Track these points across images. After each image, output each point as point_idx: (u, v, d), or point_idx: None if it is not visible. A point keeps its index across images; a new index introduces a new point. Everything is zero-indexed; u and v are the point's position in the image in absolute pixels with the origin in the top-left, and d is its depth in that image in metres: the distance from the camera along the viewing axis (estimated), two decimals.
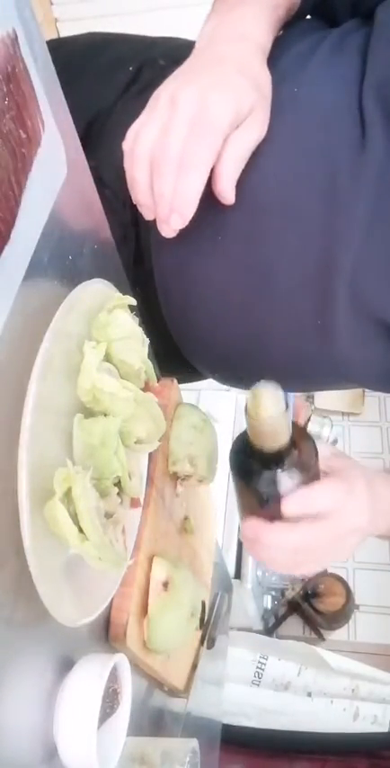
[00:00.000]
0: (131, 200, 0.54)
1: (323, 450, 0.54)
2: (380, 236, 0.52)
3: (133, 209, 0.54)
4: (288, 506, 0.51)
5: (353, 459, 0.59)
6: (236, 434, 0.56)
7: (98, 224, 0.53)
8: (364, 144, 0.52)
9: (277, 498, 0.51)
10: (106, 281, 0.51)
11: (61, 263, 0.45)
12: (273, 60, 0.56)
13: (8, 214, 0.35)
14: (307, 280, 0.56)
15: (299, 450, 0.51)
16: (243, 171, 0.53)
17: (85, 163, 0.49)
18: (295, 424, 0.51)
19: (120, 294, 0.53)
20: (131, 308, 0.52)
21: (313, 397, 2.19)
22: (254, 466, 0.51)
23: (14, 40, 0.35)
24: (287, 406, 0.46)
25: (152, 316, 0.62)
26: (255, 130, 0.52)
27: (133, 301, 0.52)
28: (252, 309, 0.60)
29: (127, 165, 0.52)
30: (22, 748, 0.42)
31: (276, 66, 0.56)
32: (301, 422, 2.05)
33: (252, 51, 0.54)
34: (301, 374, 0.66)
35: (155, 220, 0.53)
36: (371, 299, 0.54)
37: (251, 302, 0.59)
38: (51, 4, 1.94)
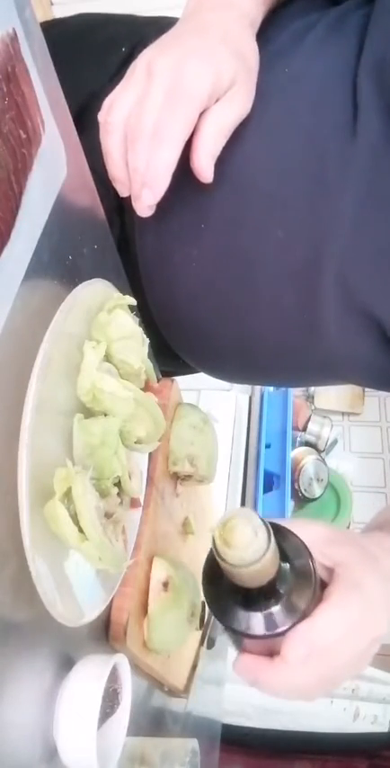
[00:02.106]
0: None
1: (317, 534, 0.45)
2: (369, 225, 0.50)
3: (118, 194, 0.53)
4: (291, 653, 0.40)
5: (352, 538, 0.49)
6: (236, 434, 0.50)
7: (98, 224, 0.53)
8: (355, 128, 0.49)
9: (279, 636, 0.40)
10: (106, 281, 0.51)
11: (61, 263, 0.45)
12: (267, 39, 0.54)
13: (8, 214, 0.35)
14: (293, 271, 0.53)
15: (292, 568, 0.40)
16: (227, 153, 0.50)
17: (85, 162, 0.49)
18: (279, 530, 0.41)
19: (120, 294, 0.53)
20: (131, 307, 0.52)
21: (313, 397, 2.19)
22: (238, 607, 0.40)
23: (14, 39, 0.35)
24: (269, 536, 0.35)
25: (138, 305, 0.60)
26: (237, 105, 0.49)
27: (133, 301, 0.52)
28: (235, 301, 0.58)
29: (101, 136, 0.50)
30: (22, 748, 0.42)
31: (269, 45, 0.54)
32: (301, 422, 2.06)
33: (237, 20, 0.52)
34: (289, 369, 0.64)
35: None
36: (360, 292, 0.52)
37: (234, 294, 0.57)
38: (51, 4, 1.94)
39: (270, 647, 0.41)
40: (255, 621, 0.39)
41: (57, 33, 0.65)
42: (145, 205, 0.49)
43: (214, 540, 0.36)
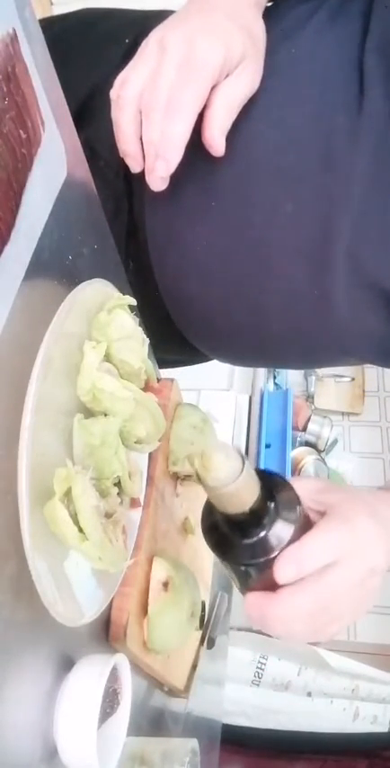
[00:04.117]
0: (125, 169, 0.52)
1: (311, 485, 0.48)
2: (378, 199, 0.51)
3: (126, 180, 0.53)
4: (281, 572, 0.42)
5: (347, 488, 0.50)
6: (236, 434, 0.52)
7: (98, 224, 0.53)
8: (362, 105, 0.50)
9: (270, 563, 0.43)
10: (106, 281, 0.51)
11: (61, 263, 0.45)
12: (271, 24, 0.55)
13: (8, 214, 0.35)
14: (304, 247, 0.54)
15: (277, 502, 0.43)
16: (236, 131, 0.51)
17: (85, 162, 0.49)
18: (264, 473, 0.43)
19: (120, 294, 0.53)
20: (131, 307, 0.52)
21: (313, 397, 2.19)
22: (230, 537, 0.43)
23: (14, 39, 0.35)
24: (243, 462, 0.38)
25: (146, 291, 0.60)
26: (247, 80, 0.50)
27: (133, 301, 0.52)
28: (247, 279, 0.58)
29: (113, 112, 0.50)
30: (22, 748, 0.42)
31: (274, 30, 0.55)
32: (301, 422, 2.06)
33: (245, 0, 0.53)
34: (300, 348, 0.65)
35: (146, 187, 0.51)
36: (369, 266, 0.52)
37: (246, 272, 0.58)
38: (51, 4, 1.94)
39: (269, 582, 0.43)
40: (246, 549, 0.42)
41: (58, 29, 0.66)
42: (158, 177, 0.50)
43: (196, 470, 0.39)
